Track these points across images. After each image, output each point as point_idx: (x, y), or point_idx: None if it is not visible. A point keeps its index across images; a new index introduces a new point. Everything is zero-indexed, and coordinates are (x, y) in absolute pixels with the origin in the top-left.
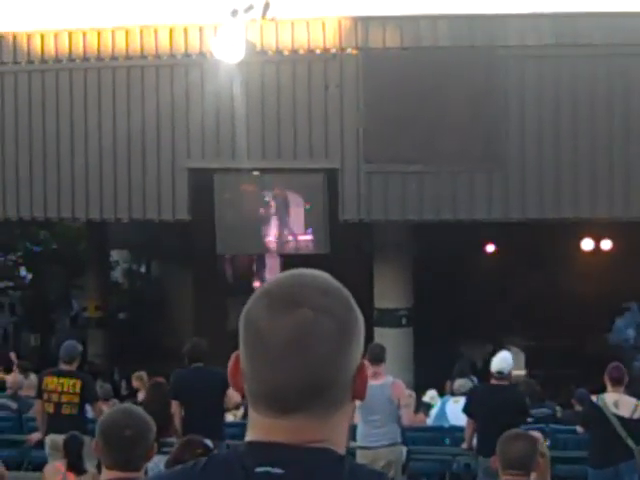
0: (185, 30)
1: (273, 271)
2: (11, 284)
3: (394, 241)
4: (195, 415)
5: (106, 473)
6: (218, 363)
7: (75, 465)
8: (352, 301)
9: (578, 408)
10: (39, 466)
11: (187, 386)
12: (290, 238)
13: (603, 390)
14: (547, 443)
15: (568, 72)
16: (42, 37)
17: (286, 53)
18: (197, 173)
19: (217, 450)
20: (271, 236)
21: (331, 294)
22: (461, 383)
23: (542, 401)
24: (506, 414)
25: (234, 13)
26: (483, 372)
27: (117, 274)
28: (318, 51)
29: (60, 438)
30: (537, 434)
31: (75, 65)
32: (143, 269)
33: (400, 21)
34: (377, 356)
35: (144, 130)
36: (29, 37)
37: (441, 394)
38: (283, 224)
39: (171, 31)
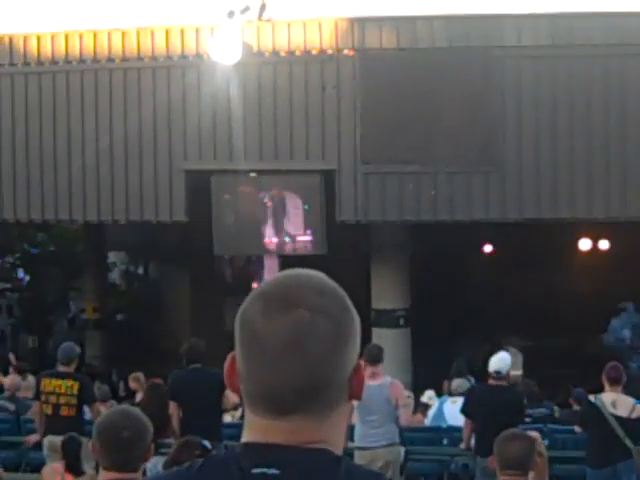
0: (182, 31)
1: (271, 272)
2: (9, 286)
3: (391, 242)
4: (193, 416)
5: (103, 474)
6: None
7: (73, 466)
8: (348, 301)
9: (576, 408)
10: (37, 467)
11: (185, 387)
12: (288, 239)
13: (601, 390)
14: (545, 443)
15: (565, 72)
16: (38, 39)
17: (283, 54)
18: (194, 174)
19: (215, 451)
20: (269, 237)
21: (327, 294)
22: (459, 383)
23: (540, 401)
24: (504, 414)
25: (230, 14)
26: (481, 372)
27: (115, 276)
28: (315, 52)
29: (58, 439)
30: (535, 434)
31: (72, 67)
32: (141, 271)
33: (396, 22)
34: (375, 356)
35: (141, 132)
36: (25, 39)
37: (439, 394)
38: (281, 225)
39: (167, 33)
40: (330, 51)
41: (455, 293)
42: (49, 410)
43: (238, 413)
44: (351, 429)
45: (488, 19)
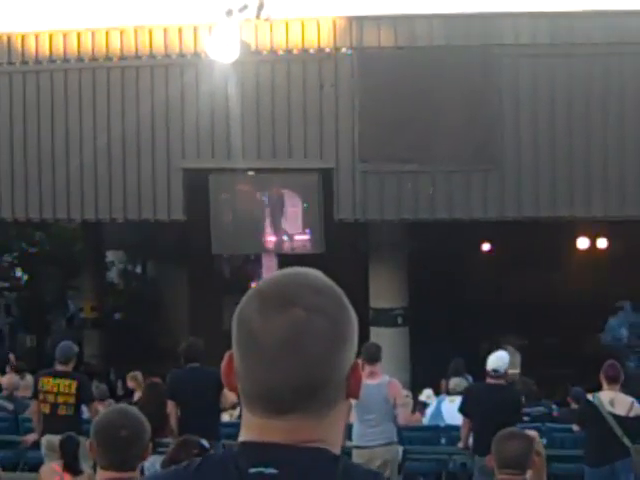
0: (179, 30)
1: (270, 271)
2: (7, 285)
3: (389, 240)
4: (191, 415)
5: (101, 474)
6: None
7: (71, 466)
8: (345, 299)
9: (574, 406)
10: (35, 467)
11: (183, 386)
12: (287, 238)
13: (599, 389)
14: (543, 442)
15: (563, 71)
16: (36, 38)
17: (281, 53)
18: (192, 173)
19: (213, 450)
20: (267, 236)
21: (324, 293)
22: (456, 382)
23: (538, 400)
24: (502, 413)
25: (228, 13)
26: (479, 371)
27: (113, 275)
28: (313, 51)
29: (56, 439)
30: (533, 433)
31: (69, 66)
32: (139, 269)
33: (395, 20)
34: (373, 355)
35: (139, 130)
36: (23, 38)
37: (437, 393)
38: (279, 224)
39: (165, 31)
40: (328, 50)
41: (453, 292)
42: (47, 409)
43: (236, 412)
44: (349, 428)
45: (487, 18)
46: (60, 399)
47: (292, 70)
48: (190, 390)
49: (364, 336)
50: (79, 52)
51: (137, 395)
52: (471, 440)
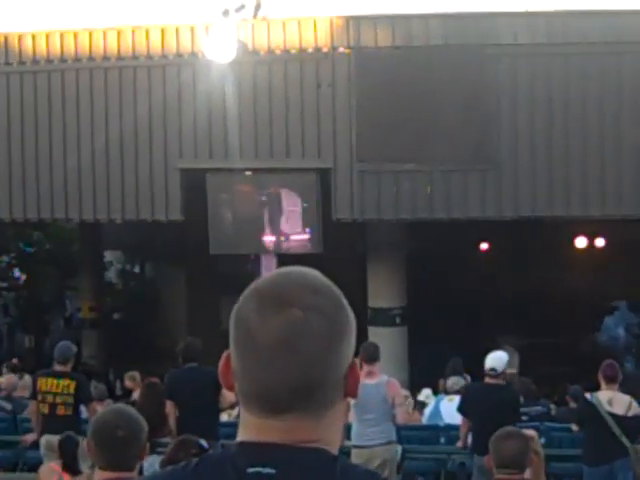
0: (177, 30)
1: (269, 270)
2: (5, 285)
3: (387, 240)
4: (190, 415)
5: (99, 474)
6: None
7: (70, 466)
8: (343, 299)
9: (573, 405)
10: (34, 467)
11: (182, 386)
12: (286, 237)
13: (597, 388)
14: (542, 441)
15: (560, 70)
16: (34, 38)
17: (278, 52)
18: (190, 173)
19: (212, 450)
20: (266, 235)
21: (321, 292)
22: (454, 381)
23: (537, 399)
24: (501, 413)
25: (225, 13)
26: (477, 371)
27: (111, 275)
28: (310, 50)
29: (55, 439)
30: (532, 432)
31: (67, 66)
32: (137, 269)
33: (392, 20)
34: (371, 355)
35: (136, 130)
36: (20, 38)
37: (435, 393)
38: (278, 223)
39: (163, 31)
40: (325, 49)
41: (451, 292)
42: (46, 409)
43: (235, 412)
44: (348, 428)
45: (483, 17)
46: (59, 399)
47: (289, 70)
48: (188, 390)
49: (362, 336)
50: (76, 52)
51: (135, 395)
52: (470, 439)
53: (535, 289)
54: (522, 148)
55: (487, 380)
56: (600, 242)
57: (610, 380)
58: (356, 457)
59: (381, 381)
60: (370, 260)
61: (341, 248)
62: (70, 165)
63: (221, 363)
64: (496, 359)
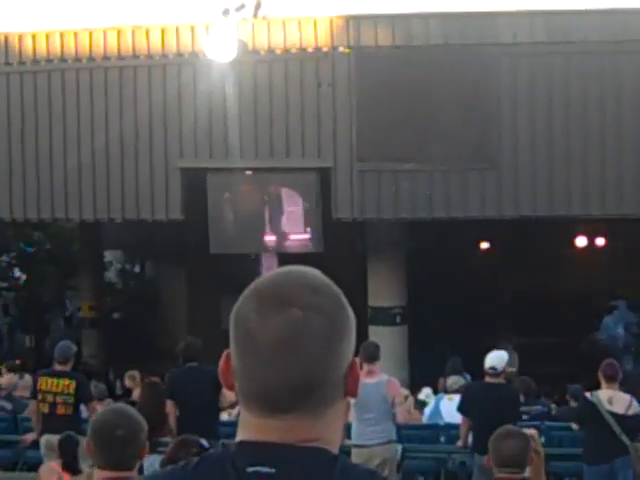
0: (177, 30)
1: (270, 270)
2: (5, 285)
3: (388, 240)
4: (190, 414)
5: (98, 473)
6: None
7: (70, 465)
8: (343, 298)
9: (573, 404)
10: (34, 466)
11: (182, 386)
12: (286, 237)
13: (597, 387)
14: (542, 440)
15: (560, 69)
16: (34, 38)
17: (278, 52)
18: (190, 173)
19: (213, 449)
20: (266, 235)
21: (321, 292)
22: (454, 380)
23: (537, 398)
24: (501, 412)
25: (226, 12)
26: (477, 370)
27: (111, 274)
28: (310, 50)
29: (55, 438)
30: (532, 431)
31: (67, 66)
32: (137, 269)
33: (392, 19)
34: (372, 354)
35: (137, 130)
36: (21, 38)
37: (435, 392)
38: (278, 223)
39: (163, 31)
40: (325, 49)
41: (452, 291)
42: (46, 409)
43: (235, 411)
44: (348, 427)
45: (483, 16)
46: (59, 399)
47: (290, 69)
48: (189, 389)
49: (362, 335)
50: (76, 52)
51: (135, 394)
52: (470, 439)
53: (535, 288)
54: (522, 147)
55: (487, 379)
56: (601, 241)
57: (610, 379)
58: (356, 456)
59: (381, 380)
60: (370, 259)
61: (341, 247)
62: (70, 165)
63: (221, 362)
64: (496, 358)
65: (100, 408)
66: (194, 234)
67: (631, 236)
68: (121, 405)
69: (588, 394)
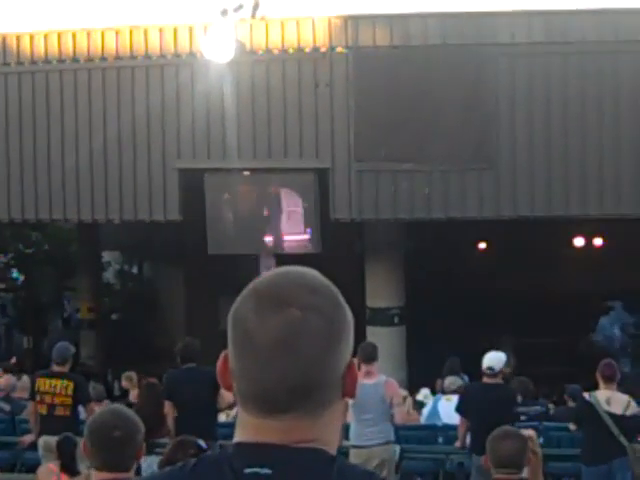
0: (175, 30)
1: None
2: (3, 286)
3: (386, 240)
4: (188, 415)
5: (96, 475)
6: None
7: (68, 466)
8: (341, 298)
9: (571, 404)
10: (32, 468)
11: (180, 386)
12: (285, 237)
13: (594, 387)
14: (540, 441)
15: (558, 69)
16: (32, 38)
17: (276, 52)
18: (188, 173)
19: (211, 450)
20: (264, 235)
21: (319, 292)
22: (451, 381)
23: (535, 399)
24: (498, 412)
25: (224, 13)
26: (475, 371)
27: (109, 275)
28: (308, 50)
29: (53, 439)
30: (531, 432)
31: (65, 66)
32: (135, 270)
33: (390, 19)
34: (370, 355)
35: (135, 130)
36: (18, 38)
37: (433, 392)
38: (276, 223)
39: (161, 31)
40: (323, 49)
41: (450, 291)
42: (44, 410)
43: (233, 412)
44: (346, 428)
45: (481, 16)
46: (57, 400)
47: (287, 70)
48: (187, 390)
49: (360, 335)
50: (74, 52)
51: (132, 395)
52: (468, 439)
53: (533, 288)
54: (521, 148)
55: (485, 379)
56: (598, 241)
57: (608, 379)
58: (354, 457)
59: (379, 381)
60: (368, 260)
61: (339, 248)
62: (68, 165)
63: (219, 363)
64: (493, 358)
65: (98, 409)
66: (192, 235)
67: (629, 236)
68: (118, 406)
69: (586, 394)
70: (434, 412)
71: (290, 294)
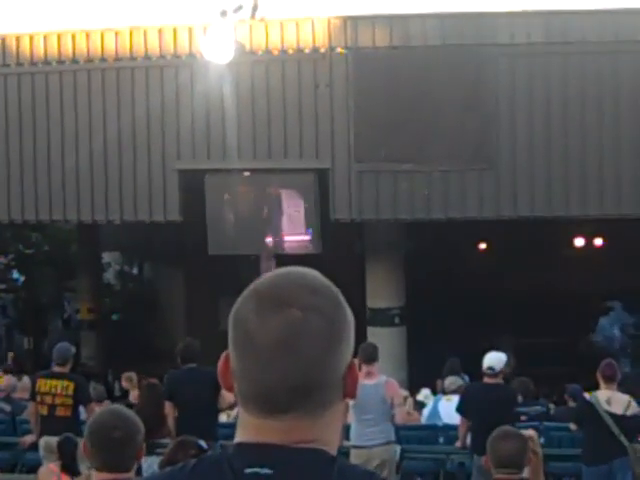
0: (174, 31)
1: (268, 271)
2: (3, 287)
3: (386, 240)
4: (189, 416)
5: (96, 475)
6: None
7: (69, 467)
8: (342, 299)
9: (572, 404)
10: (33, 468)
11: (181, 387)
12: (286, 238)
13: (595, 387)
14: (541, 441)
15: (558, 70)
16: (31, 39)
17: (275, 53)
18: (188, 174)
19: (211, 451)
20: (265, 236)
21: (320, 292)
22: (451, 381)
23: (536, 399)
24: (499, 412)
25: (223, 13)
26: (475, 371)
27: (109, 276)
28: (307, 51)
29: (54, 440)
30: (532, 432)
31: (65, 67)
32: (135, 271)
33: (389, 20)
34: (370, 355)
35: (134, 131)
36: (18, 39)
37: (434, 392)
38: (277, 224)
39: (160, 32)
40: (323, 50)
41: (450, 291)
42: (45, 411)
43: (234, 412)
44: (347, 428)
45: (481, 17)
46: (58, 400)
47: (287, 70)
48: (188, 391)
49: (361, 336)
50: (74, 53)
51: (132, 395)
52: (469, 439)
53: (534, 288)
54: (521, 148)
55: (485, 379)
56: (599, 242)
57: (609, 379)
58: (355, 457)
59: (380, 381)
60: (368, 260)
61: (339, 248)
62: (68, 166)
63: (220, 363)
64: (494, 358)
65: (99, 410)
66: (192, 235)
67: (629, 236)
68: (118, 406)
69: (587, 394)
70: (434, 412)
71: (291, 295)
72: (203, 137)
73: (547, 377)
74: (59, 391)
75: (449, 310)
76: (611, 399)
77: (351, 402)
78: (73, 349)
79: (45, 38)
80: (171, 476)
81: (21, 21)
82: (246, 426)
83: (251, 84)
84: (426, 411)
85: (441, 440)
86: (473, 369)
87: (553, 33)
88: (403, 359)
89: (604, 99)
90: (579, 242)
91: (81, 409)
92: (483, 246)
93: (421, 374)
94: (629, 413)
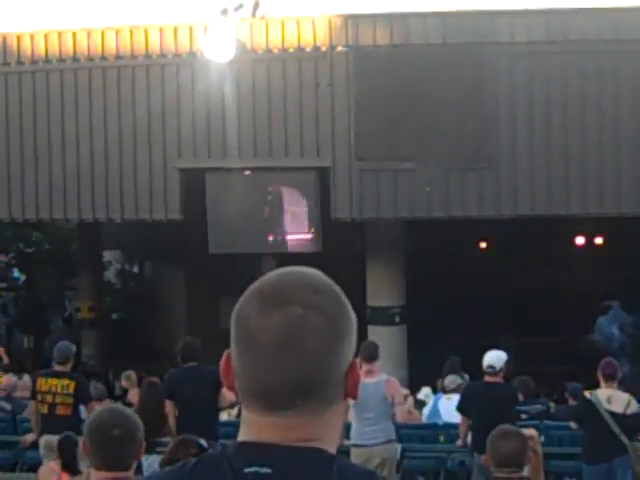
0: (175, 30)
1: (269, 270)
2: (4, 285)
3: (386, 239)
4: (189, 415)
5: (95, 474)
6: (211, 362)
7: (69, 465)
8: (343, 298)
9: (572, 402)
10: (33, 467)
11: (181, 386)
12: (287, 237)
13: (595, 386)
14: (541, 439)
15: (558, 69)
16: (32, 38)
17: (276, 52)
18: (189, 173)
19: (212, 449)
20: (265, 235)
21: (322, 291)
22: (451, 379)
23: (537, 398)
24: (499, 411)
25: (224, 12)
26: (476, 370)
27: (110, 274)
28: (308, 49)
29: (54, 439)
30: (532, 431)
31: (65, 66)
32: (136, 269)
33: (390, 19)
34: (371, 354)
35: (135, 130)
36: (19, 38)
37: (435, 391)
38: (278, 223)
39: (161, 31)
40: (324, 48)
41: (450, 290)
42: (45, 409)
43: (234, 411)
44: (347, 427)
45: (482, 16)
46: (58, 399)
47: (288, 69)
48: (188, 389)
49: (362, 335)
50: (75, 52)
51: (131, 394)
52: (470, 438)
53: (534, 287)
54: (521, 147)
55: (486, 378)
56: (599, 241)
57: (609, 378)
58: (355, 456)
59: (380, 380)
60: (369, 259)
61: (340, 247)
62: (69, 165)
63: (222, 362)
64: (494, 357)
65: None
66: (193, 234)
67: (629, 236)
68: (117, 405)
69: (587, 393)
70: (434, 411)
71: (292, 293)
72: (204, 135)
73: (547, 376)
74: (60, 390)
75: (450, 309)
76: (611, 398)
77: (352, 401)
78: (74, 348)
79: (46, 37)
80: (171, 475)
81: (22, 20)
82: (249, 424)
83: (252, 83)
84: (426, 410)
85: (442, 439)
86: (473, 368)
87: (553, 32)
88: (403, 358)
89: (604, 98)
90: (579, 241)
91: (82, 408)
92: (483, 245)
93: (421, 373)
94: (629, 412)
